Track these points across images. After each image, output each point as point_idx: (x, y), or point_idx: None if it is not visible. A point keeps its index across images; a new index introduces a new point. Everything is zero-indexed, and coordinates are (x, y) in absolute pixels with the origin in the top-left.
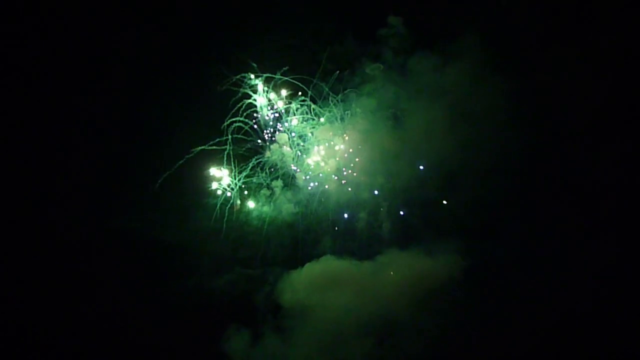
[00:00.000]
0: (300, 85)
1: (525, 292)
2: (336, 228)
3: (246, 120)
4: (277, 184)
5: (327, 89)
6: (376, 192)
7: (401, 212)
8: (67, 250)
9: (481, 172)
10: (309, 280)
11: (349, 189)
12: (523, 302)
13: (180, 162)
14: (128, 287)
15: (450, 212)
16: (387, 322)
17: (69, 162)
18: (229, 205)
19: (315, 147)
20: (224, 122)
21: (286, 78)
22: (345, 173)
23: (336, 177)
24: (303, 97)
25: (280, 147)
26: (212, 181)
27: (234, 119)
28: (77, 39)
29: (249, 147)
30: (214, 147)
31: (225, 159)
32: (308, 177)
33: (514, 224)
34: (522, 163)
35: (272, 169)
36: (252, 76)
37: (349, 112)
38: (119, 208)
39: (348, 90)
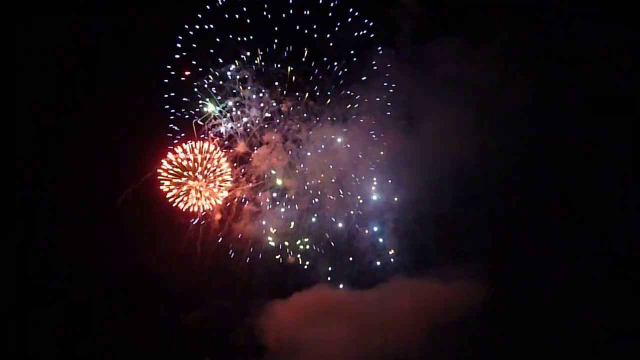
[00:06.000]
0: (297, 78)
1: (558, 326)
2: (332, 244)
3: (229, 121)
4: (265, 196)
5: (329, 82)
6: (382, 205)
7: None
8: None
9: (508, 184)
10: (298, 313)
11: (351, 202)
12: (556, 338)
13: (149, 174)
14: (79, 322)
15: (470, 230)
16: None
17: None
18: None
19: (312, 153)
20: (203, 124)
21: (280, 70)
22: (346, 183)
23: (336, 189)
24: (299, 93)
25: (270, 152)
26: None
27: (215, 122)
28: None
29: (232, 153)
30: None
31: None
32: (301, 188)
33: (547, 245)
34: (558, 174)
35: (259, 180)
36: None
37: (353, 110)
38: (71, 228)
39: (353, 84)
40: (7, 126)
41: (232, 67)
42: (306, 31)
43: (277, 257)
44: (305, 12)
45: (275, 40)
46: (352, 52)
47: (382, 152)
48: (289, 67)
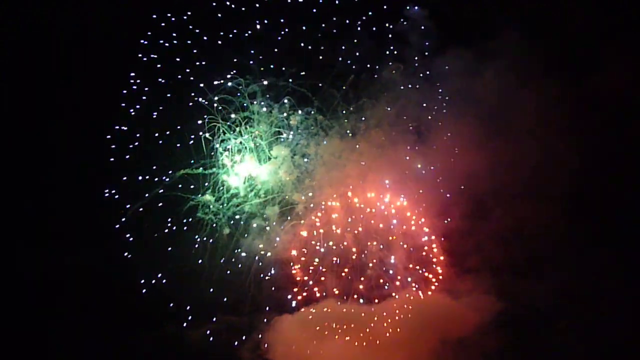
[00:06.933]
0: (306, 92)
1: (569, 342)
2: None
3: (239, 137)
4: (273, 211)
5: (338, 97)
6: (391, 219)
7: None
8: (21, 291)
9: (518, 198)
10: (306, 329)
11: (359, 217)
12: (566, 355)
13: (157, 189)
14: (84, 338)
15: (479, 245)
16: None
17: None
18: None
19: (320, 168)
20: (212, 140)
21: (290, 84)
22: (355, 198)
23: (345, 204)
24: (309, 108)
25: (278, 167)
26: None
27: (225, 137)
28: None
29: (241, 168)
30: (200, 171)
31: (212, 184)
32: (309, 203)
33: (557, 260)
34: (569, 188)
35: (268, 195)
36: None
37: (362, 125)
38: (79, 243)
39: (362, 100)
40: None
41: (241, 80)
42: (315, 45)
43: (285, 271)
44: (313, 26)
45: (284, 55)
46: (361, 66)
47: (391, 167)
48: (297, 81)
